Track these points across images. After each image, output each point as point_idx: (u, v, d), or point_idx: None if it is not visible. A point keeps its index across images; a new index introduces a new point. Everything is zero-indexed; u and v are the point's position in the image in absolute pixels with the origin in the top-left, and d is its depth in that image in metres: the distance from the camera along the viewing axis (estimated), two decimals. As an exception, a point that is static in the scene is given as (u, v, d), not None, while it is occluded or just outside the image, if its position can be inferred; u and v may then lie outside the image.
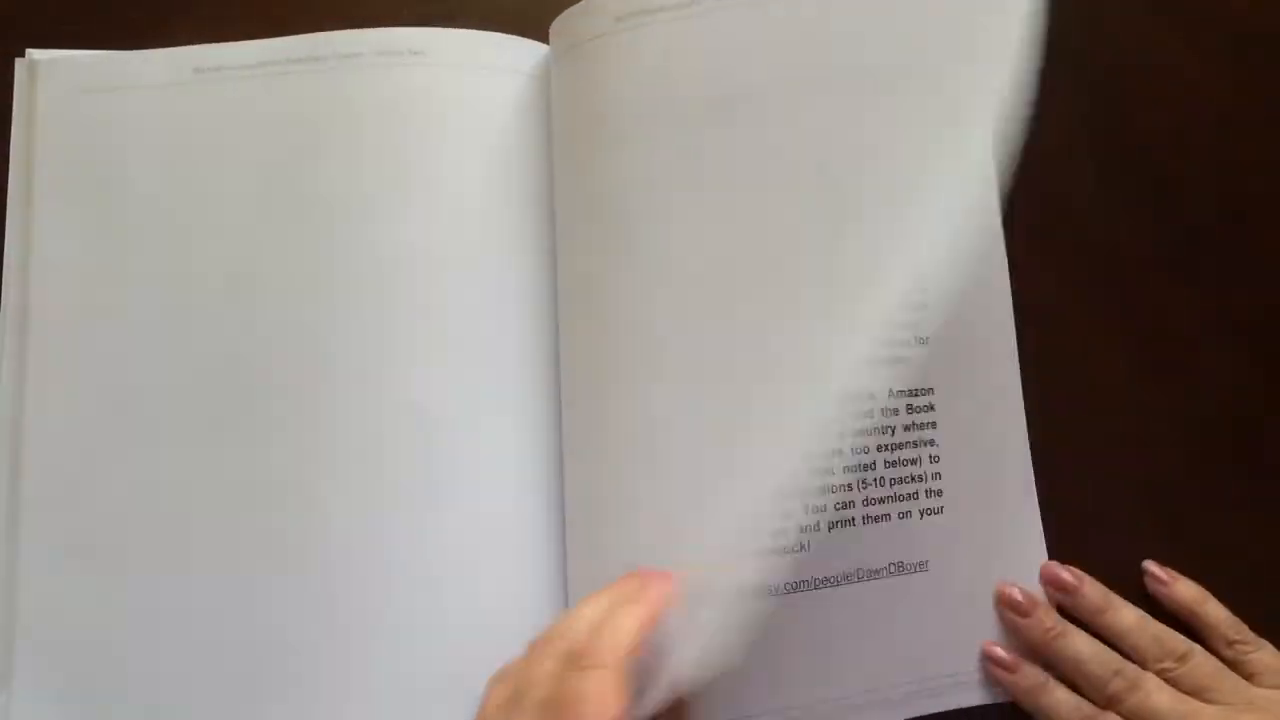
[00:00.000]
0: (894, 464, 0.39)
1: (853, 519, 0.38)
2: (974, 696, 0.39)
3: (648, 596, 0.33)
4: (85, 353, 0.41)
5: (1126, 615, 0.38)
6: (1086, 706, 0.37)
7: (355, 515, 0.39)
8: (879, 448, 0.39)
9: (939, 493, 0.39)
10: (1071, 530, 0.40)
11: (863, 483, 0.38)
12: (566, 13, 0.42)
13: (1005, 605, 0.39)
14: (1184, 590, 0.39)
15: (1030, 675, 0.38)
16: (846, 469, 0.38)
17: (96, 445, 0.40)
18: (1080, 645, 0.38)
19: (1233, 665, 0.38)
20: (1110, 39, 0.46)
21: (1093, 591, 0.39)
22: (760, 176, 0.39)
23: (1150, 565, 0.40)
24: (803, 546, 0.38)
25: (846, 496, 0.38)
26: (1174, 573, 0.40)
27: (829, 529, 0.38)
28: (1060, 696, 0.37)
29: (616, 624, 0.31)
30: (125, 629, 0.39)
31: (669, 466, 0.37)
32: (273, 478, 0.40)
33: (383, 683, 0.38)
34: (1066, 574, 0.39)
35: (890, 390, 0.39)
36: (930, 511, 0.39)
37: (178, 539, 0.39)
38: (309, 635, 0.38)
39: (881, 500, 0.39)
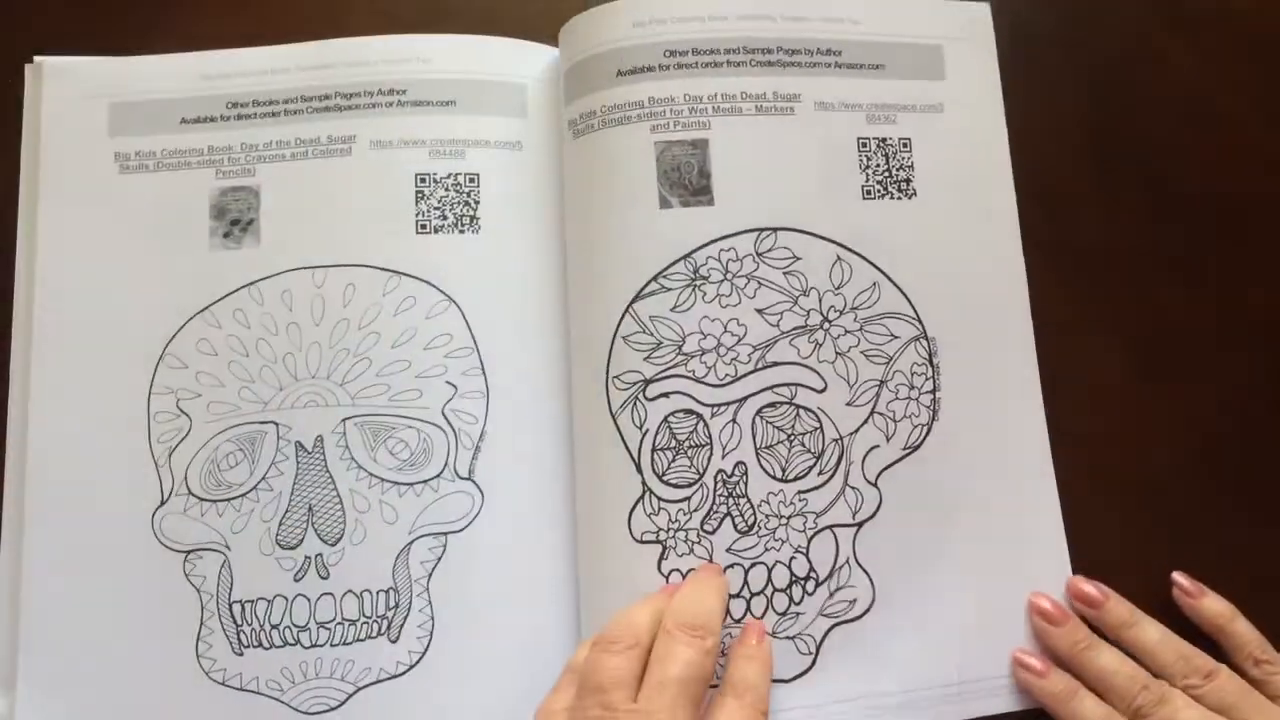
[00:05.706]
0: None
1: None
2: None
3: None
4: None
5: (1151, 631, 0.38)
6: (1116, 717, 0.37)
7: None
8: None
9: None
10: (1072, 532, 0.41)
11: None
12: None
13: (1037, 614, 0.39)
14: (1212, 605, 0.39)
15: (1060, 681, 0.38)
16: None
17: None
18: (1108, 658, 0.38)
19: (1257, 685, 0.38)
20: (1110, 38, 0.46)
21: (1117, 607, 0.39)
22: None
23: (1179, 577, 0.40)
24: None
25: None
26: (1202, 586, 0.40)
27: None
28: (1089, 705, 0.37)
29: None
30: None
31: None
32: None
33: None
34: (1091, 589, 0.39)
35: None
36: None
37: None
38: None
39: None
